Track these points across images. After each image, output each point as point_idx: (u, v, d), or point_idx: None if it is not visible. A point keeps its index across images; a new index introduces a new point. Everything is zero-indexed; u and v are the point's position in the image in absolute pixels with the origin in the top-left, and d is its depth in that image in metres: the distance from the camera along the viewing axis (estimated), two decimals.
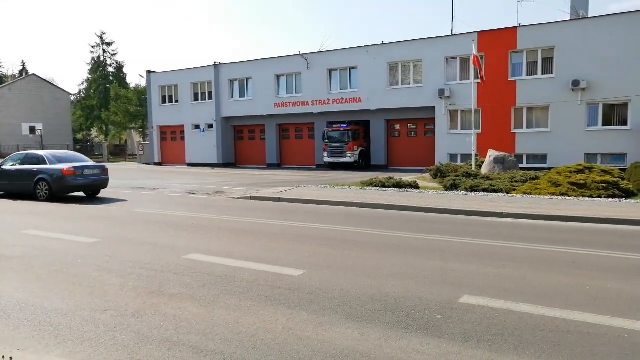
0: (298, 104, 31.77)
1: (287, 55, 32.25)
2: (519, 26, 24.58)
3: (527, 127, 24.81)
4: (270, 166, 33.57)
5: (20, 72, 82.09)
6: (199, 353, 3.86)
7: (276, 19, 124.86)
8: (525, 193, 13.96)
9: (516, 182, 15.34)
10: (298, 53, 31.58)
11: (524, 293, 5.27)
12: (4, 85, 68.05)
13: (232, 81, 34.83)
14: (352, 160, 29.05)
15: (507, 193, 14.18)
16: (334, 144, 29.49)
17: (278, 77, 32.75)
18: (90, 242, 8.08)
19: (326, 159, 29.93)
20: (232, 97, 34.86)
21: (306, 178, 22.67)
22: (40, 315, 4.69)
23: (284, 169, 31.51)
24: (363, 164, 29.79)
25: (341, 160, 29.26)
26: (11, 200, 14.39)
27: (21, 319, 4.61)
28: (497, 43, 24.55)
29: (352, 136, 29.25)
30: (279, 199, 14.08)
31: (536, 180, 15.07)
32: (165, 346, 3.98)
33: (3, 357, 3.40)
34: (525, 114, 24.80)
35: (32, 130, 48.91)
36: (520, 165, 20.92)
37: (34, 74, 68.69)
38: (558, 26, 23.70)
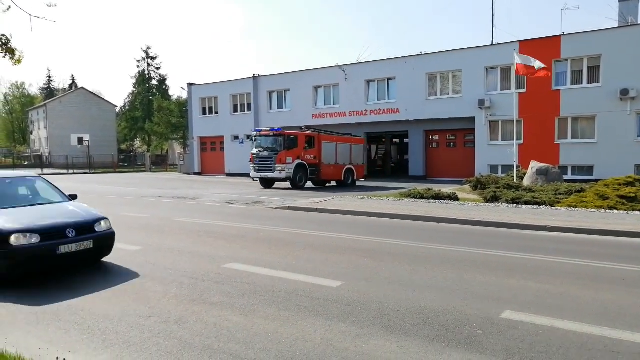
0: (335, 114, 31.91)
1: (325, 67, 32.51)
2: (563, 34, 23.96)
3: (572, 138, 24.03)
4: None
5: (70, 86, 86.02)
6: None
7: (314, 31, 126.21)
8: (570, 206, 13.51)
9: (560, 194, 14.86)
10: (336, 65, 31.78)
11: (569, 310, 5.09)
12: (55, 98, 71.48)
13: (270, 93, 35.37)
14: (282, 176, 22.28)
15: (551, 206, 13.75)
16: (261, 155, 23.03)
17: (316, 88, 33.03)
18: (133, 250, 8.34)
19: (252, 174, 23.53)
20: (271, 109, 35.36)
21: (343, 189, 22.70)
22: (89, 320, 4.89)
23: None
24: (302, 183, 22.99)
25: (269, 175, 22.69)
26: None
27: (71, 323, 4.81)
28: (540, 52, 23.93)
29: (286, 144, 22.46)
30: (317, 210, 14.14)
31: (582, 193, 14.56)
32: (206, 353, 4.07)
33: (57, 358, 3.57)
34: (570, 124, 24.05)
35: (80, 141, 51.09)
36: (565, 177, 20.26)
37: (82, 88, 71.95)
38: (605, 34, 22.95)
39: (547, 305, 5.25)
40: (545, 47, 24.04)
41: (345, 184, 24.99)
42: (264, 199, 17.80)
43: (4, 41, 4.68)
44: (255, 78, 35.85)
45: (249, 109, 36.25)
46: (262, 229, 10.91)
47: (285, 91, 34.64)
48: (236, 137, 37.05)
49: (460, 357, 3.96)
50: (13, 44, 4.75)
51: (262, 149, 23.07)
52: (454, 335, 4.41)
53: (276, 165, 22.30)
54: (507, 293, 5.72)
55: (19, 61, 4.80)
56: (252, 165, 23.41)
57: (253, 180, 24.05)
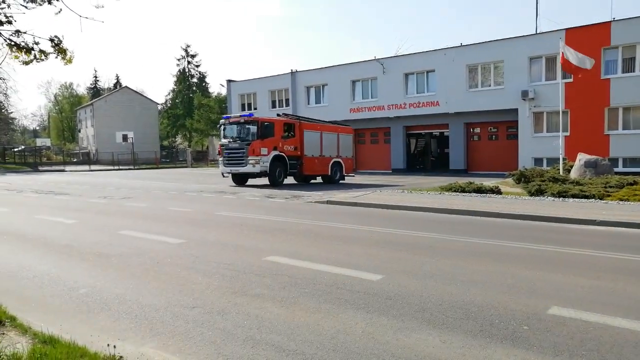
0: (374, 108, 31.72)
1: (363, 61, 32.34)
2: (613, 20, 22.91)
3: (623, 129, 23.02)
4: None
5: (115, 85, 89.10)
6: (280, 352, 3.96)
7: (352, 25, 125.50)
8: (621, 199, 12.93)
9: (611, 187, 14.26)
10: (374, 58, 31.55)
11: (622, 307, 4.88)
12: (101, 97, 74.19)
13: (308, 88, 35.50)
14: (256, 170, 19.29)
15: (600, 199, 13.21)
16: (231, 146, 19.83)
17: (354, 82, 32.91)
18: (177, 243, 8.55)
19: (222, 169, 20.66)
20: (308, 104, 35.50)
21: (382, 183, 22.53)
22: (136, 309, 5.05)
23: (359, 174, 31.49)
24: (280, 179, 20.15)
25: (240, 170, 19.76)
26: None
27: (120, 312, 4.99)
28: (588, 40, 23.00)
29: (260, 133, 19.19)
30: (355, 204, 14.10)
31: (635, 186, 13.91)
32: (248, 344, 4.13)
33: (108, 345, 3.71)
34: (620, 114, 23.04)
35: (125, 138, 52.79)
36: (615, 170, 19.43)
37: (126, 87, 74.38)
38: None
39: (598, 302, 5.04)
40: (593, 34, 23.07)
41: (333, 180, 22.27)
42: (303, 193, 17.90)
43: (56, 42, 4.89)
44: (293, 73, 36.06)
45: (287, 104, 36.52)
46: (301, 222, 10.97)
47: (323, 86, 34.70)
48: None
49: (506, 353, 3.86)
50: (64, 44, 4.96)
51: (232, 139, 19.91)
52: (498, 331, 4.30)
53: (249, 158, 18.96)
54: (554, 288, 5.54)
55: (69, 61, 5.01)
56: (221, 159, 20.38)
57: (223, 176, 20.94)
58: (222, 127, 20.46)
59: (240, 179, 20.82)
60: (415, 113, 29.89)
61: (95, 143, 65.77)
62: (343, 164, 23.13)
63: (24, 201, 16.76)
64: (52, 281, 6.19)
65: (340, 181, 22.94)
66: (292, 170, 20.54)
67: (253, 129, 19.35)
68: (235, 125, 19.95)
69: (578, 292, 5.42)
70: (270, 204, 15.00)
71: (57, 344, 3.87)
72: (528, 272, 6.27)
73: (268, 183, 20.41)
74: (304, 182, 22.23)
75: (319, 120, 24.21)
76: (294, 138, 20.77)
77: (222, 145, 20.13)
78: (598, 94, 23.08)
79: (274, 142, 19.66)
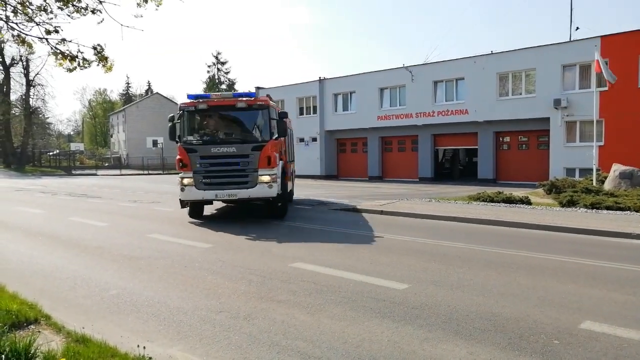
0: (401, 116, 31.52)
1: (391, 69, 32.22)
2: None
3: None
4: (372, 178, 33.59)
5: (146, 91, 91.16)
6: (306, 359, 3.97)
7: (381, 33, 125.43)
8: None
9: None
10: (402, 66, 31.41)
11: None
12: (132, 103, 76.02)
13: (336, 95, 35.55)
14: (273, 193, 11.53)
15: (637, 212, 12.78)
16: (218, 152, 11.43)
17: (382, 90, 32.79)
18: (205, 248, 8.68)
19: (193, 193, 11.45)
20: (336, 111, 35.54)
21: (408, 191, 22.33)
22: (164, 312, 5.14)
23: (385, 182, 31.33)
24: (282, 204, 12.39)
25: (243, 193, 11.38)
26: None
27: (149, 314, 5.09)
28: (625, 47, 22.39)
29: (274, 127, 11.77)
30: (382, 212, 14.02)
31: None
32: (274, 350, 4.15)
33: (138, 346, 3.80)
34: None
35: (155, 143, 53.84)
36: None
37: (157, 93, 76.01)
38: None
39: (632, 318, 4.88)
40: (630, 41, 22.44)
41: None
42: (329, 200, 17.90)
43: (98, 50, 5.10)
44: (321, 81, 36.20)
45: (315, 111, 36.64)
46: (327, 229, 10.97)
47: (350, 93, 34.70)
48: (302, 140, 37.55)
49: None
50: (106, 52, 5.18)
51: (213, 139, 11.82)
52: (527, 344, 4.21)
53: (259, 173, 11.28)
54: (587, 303, 5.38)
55: (110, 68, 5.21)
56: (190, 175, 11.47)
57: (182, 205, 12.12)
58: (184, 115, 12.17)
59: (198, 209, 12.51)
60: (443, 121, 29.56)
61: (127, 148, 67.28)
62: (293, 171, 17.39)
63: (59, 204, 17.28)
64: (84, 282, 6.36)
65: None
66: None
67: (261, 120, 11.63)
68: (220, 114, 11.96)
69: (612, 307, 5.25)
70: (296, 210, 15.05)
71: (89, 344, 3.98)
72: (560, 285, 6.11)
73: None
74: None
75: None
76: (284, 136, 13.19)
77: (189, 151, 11.59)
78: (634, 103, 22.40)
79: (280, 144, 12.61)
